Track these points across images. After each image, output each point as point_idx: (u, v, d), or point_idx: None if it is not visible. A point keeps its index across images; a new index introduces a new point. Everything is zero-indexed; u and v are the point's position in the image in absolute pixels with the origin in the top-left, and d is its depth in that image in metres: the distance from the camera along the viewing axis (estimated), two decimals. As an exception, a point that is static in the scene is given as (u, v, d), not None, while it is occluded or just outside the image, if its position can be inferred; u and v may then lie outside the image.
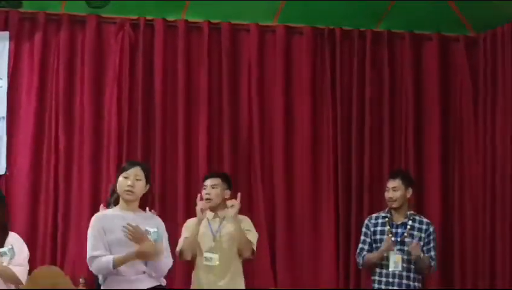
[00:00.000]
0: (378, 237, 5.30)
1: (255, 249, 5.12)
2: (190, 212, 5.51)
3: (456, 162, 6.69)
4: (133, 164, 4.37)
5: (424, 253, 5.22)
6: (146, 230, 4.13)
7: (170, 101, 6.29)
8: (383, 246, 5.17)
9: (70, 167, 6.09)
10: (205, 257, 4.95)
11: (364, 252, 5.32)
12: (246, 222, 5.22)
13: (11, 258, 4.23)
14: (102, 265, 4.03)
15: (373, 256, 5.23)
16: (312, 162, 6.43)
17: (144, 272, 4.15)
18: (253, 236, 5.10)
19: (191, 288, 5.11)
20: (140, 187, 4.24)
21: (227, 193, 5.19)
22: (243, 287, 5.14)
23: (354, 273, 6.22)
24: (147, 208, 4.37)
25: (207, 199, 5.06)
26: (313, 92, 6.50)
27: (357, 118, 6.52)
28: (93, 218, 4.24)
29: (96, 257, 4.04)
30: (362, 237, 5.40)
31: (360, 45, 6.60)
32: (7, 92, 6.07)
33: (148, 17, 6.29)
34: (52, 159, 6.06)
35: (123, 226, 4.03)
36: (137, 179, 4.21)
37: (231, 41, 6.40)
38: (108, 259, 4.01)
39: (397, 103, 6.66)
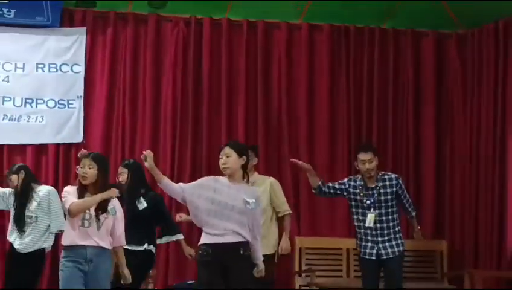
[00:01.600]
0: (357, 197, 5.95)
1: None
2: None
3: (448, 140, 7.70)
4: (226, 144, 4.91)
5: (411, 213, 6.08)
6: (245, 200, 4.68)
7: (215, 86, 7.37)
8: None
9: (134, 138, 7.22)
10: None
11: (326, 185, 6.04)
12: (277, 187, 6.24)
13: (113, 215, 4.83)
14: (175, 188, 4.72)
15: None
16: (330, 136, 7.53)
17: (235, 232, 4.66)
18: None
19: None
20: (233, 162, 4.73)
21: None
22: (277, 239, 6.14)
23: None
24: None
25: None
26: (331, 79, 7.56)
27: (367, 100, 7.60)
28: (209, 177, 4.95)
29: (182, 186, 4.75)
30: (337, 183, 6.09)
31: (370, 40, 7.65)
32: (84, 76, 7.18)
33: (198, 16, 7.34)
34: (119, 132, 7.20)
35: None
36: (228, 157, 4.75)
37: (265, 36, 7.48)
38: (180, 189, 4.71)
39: (399, 90, 7.69)
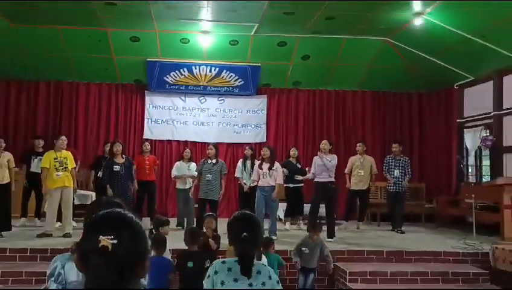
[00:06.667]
0: (391, 166, 13.30)
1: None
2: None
3: (425, 144, 16.12)
4: (325, 140, 12.45)
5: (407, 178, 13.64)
6: (327, 159, 11.20)
7: (327, 124, 16.52)
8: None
9: (287, 143, 15.98)
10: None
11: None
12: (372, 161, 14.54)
13: (275, 170, 12.08)
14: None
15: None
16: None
17: (330, 182, 11.40)
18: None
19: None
20: (327, 147, 11.32)
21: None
22: None
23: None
24: None
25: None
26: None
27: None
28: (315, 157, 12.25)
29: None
30: (384, 167, 13.87)
31: (405, 101, 16.57)
32: (266, 115, 16.11)
33: (321, 88, 16.30)
34: (281, 139, 16.04)
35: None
36: (324, 145, 11.13)
37: (352, 99, 16.70)
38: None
39: (408, 131, 16.60)
